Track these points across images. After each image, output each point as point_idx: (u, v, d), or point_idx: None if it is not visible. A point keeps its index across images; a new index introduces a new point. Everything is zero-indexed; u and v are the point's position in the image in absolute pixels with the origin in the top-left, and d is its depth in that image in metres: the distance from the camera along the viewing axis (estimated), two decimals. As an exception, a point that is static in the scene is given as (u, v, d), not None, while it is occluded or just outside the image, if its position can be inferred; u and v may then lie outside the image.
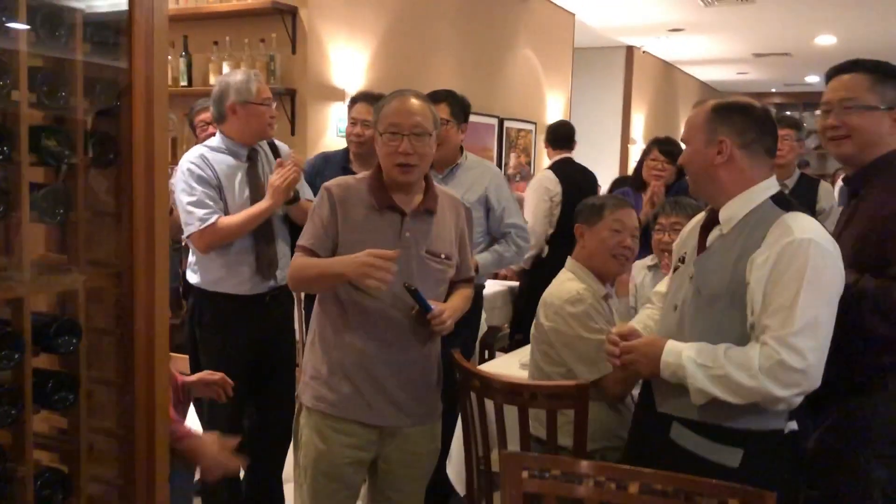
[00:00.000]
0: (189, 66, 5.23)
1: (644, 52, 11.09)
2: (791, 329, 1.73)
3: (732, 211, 1.92)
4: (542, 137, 8.49)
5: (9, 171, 1.56)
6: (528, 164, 8.34)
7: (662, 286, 2.35)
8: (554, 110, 8.71)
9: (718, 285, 1.87)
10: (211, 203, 2.88)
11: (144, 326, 1.77)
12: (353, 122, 3.59)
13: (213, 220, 2.86)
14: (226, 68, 4.98)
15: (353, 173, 3.19)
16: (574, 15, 8.85)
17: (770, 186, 1.92)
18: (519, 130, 8.06)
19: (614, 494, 1.68)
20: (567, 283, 2.55)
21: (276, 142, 3.24)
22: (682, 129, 2.14)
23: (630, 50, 10.80)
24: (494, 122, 7.52)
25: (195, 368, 2.82)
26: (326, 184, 2.35)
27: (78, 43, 1.64)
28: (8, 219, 1.57)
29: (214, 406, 2.74)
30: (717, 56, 11.65)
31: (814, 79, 13.38)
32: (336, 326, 2.31)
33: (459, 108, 3.54)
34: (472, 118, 6.84)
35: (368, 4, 5.64)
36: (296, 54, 5.11)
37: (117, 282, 1.76)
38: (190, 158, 2.95)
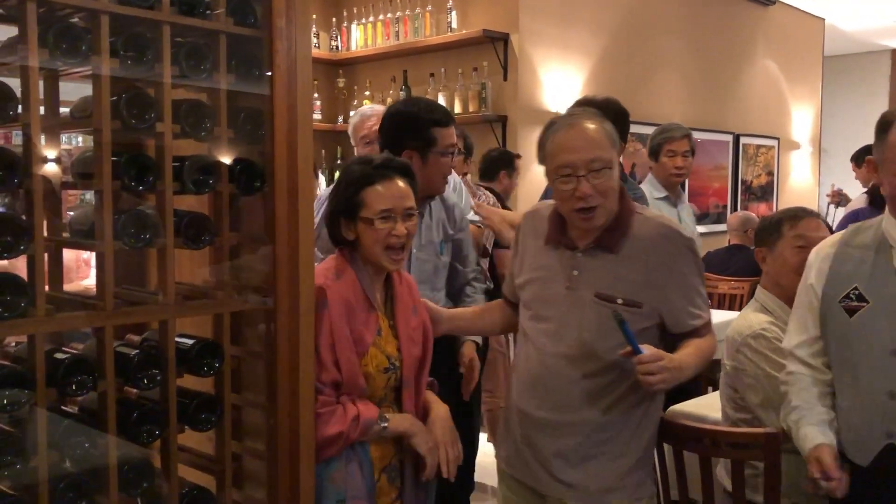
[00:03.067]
0: (408, 98, 5.43)
1: (913, 54, 9.84)
2: None
3: None
4: (788, 153, 7.83)
5: (154, 200, 1.65)
6: (771, 181, 7.67)
7: (792, 342, 1.98)
8: (801, 124, 7.97)
9: None
10: None
11: (287, 351, 1.78)
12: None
13: None
14: (441, 99, 5.10)
15: None
16: (823, 20, 8.06)
17: None
18: (759, 147, 7.45)
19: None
20: (749, 316, 2.25)
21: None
22: None
23: (896, 53, 9.64)
24: (729, 138, 7.02)
25: None
26: (526, 212, 2.15)
27: (222, 74, 1.70)
28: (154, 245, 1.65)
29: None
30: None
31: None
32: (513, 367, 2.08)
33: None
34: (703, 135, 6.48)
35: (584, 24, 5.51)
36: (507, 80, 5.11)
37: (265, 307, 1.79)
38: None
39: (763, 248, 2.34)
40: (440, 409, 2.02)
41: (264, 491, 1.84)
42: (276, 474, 1.80)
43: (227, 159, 1.73)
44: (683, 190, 4.35)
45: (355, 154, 3.20)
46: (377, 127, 2.70)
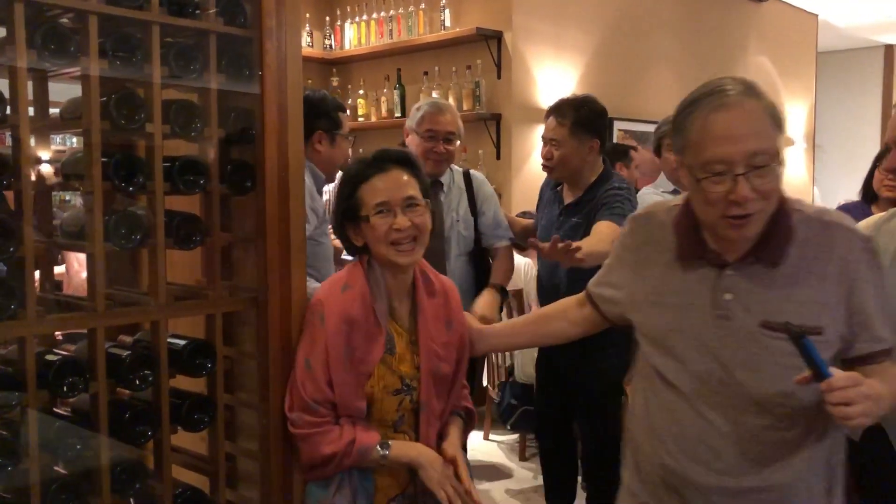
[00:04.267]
0: (402, 97, 5.43)
1: (906, 50, 9.85)
2: None
3: None
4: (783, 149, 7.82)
5: (145, 201, 1.65)
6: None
7: None
8: (795, 120, 7.97)
9: None
10: None
11: (279, 351, 1.78)
12: (543, 141, 3.10)
13: None
14: (435, 97, 5.10)
15: (560, 197, 2.98)
16: (817, 16, 8.07)
17: None
18: (752, 144, 7.46)
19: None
20: None
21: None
22: None
23: (889, 49, 9.64)
24: (722, 136, 7.03)
25: None
26: (632, 214, 1.76)
27: (212, 74, 1.69)
28: (145, 245, 1.65)
29: None
30: None
31: None
32: (642, 415, 1.66)
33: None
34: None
35: (576, 22, 5.51)
36: (501, 79, 5.11)
37: (256, 307, 1.79)
38: None
39: None
40: (447, 446, 1.82)
41: (258, 491, 1.84)
42: (269, 474, 1.80)
43: (217, 159, 1.73)
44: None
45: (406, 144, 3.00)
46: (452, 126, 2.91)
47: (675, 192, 3.53)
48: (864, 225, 1.82)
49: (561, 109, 2.96)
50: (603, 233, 2.57)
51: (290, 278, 1.79)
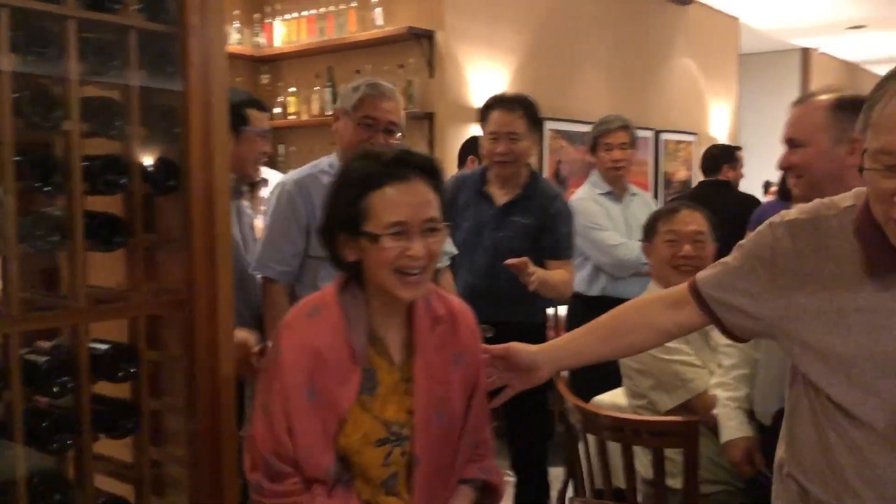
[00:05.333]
0: (334, 95, 5.37)
1: (821, 53, 10.24)
2: None
3: None
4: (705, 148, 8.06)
5: (64, 201, 1.59)
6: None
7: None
8: (719, 120, 8.20)
9: None
10: None
11: (206, 354, 1.74)
12: (493, 136, 2.84)
13: None
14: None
15: (489, 197, 2.86)
16: (738, 19, 8.31)
17: None
18: (678, 142, 7.64)
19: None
20: None
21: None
22: None
23: (806, 52, 10.01)
24: (650, 134, 7.18)
25: None
26: (787, 219, 1.40)
27: (134, 71, 1.65)
28: (64, 247, 1.59)
29: None
30: (909, 52, 10.55)
31: None
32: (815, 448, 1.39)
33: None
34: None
35: (508, 23, 5.56)
36: (433, 78, 5.11)
37: (181, 309, 1.75)
38: None
39: (647, 244, 2.50)
40: None
41: (186, 497, 1.80)
42: (197, 479, 1.76)
43: (140, 158, 1.68)
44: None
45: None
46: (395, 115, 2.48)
47: (609, 194, 3.55)
48: None
49: (509, 103, 2.84)
50: (557, 278, 2.69)
51: (217, 279, 1.75)
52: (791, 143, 1.85)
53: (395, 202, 1.43)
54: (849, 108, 1.74)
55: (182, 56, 1.68)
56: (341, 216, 1.48)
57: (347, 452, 1.46)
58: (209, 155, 1.72)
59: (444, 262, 2.68)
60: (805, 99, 1.83)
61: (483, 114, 2.93)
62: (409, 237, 1.43)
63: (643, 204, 3.69)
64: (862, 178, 1.26)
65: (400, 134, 2.51)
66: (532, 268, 2.46)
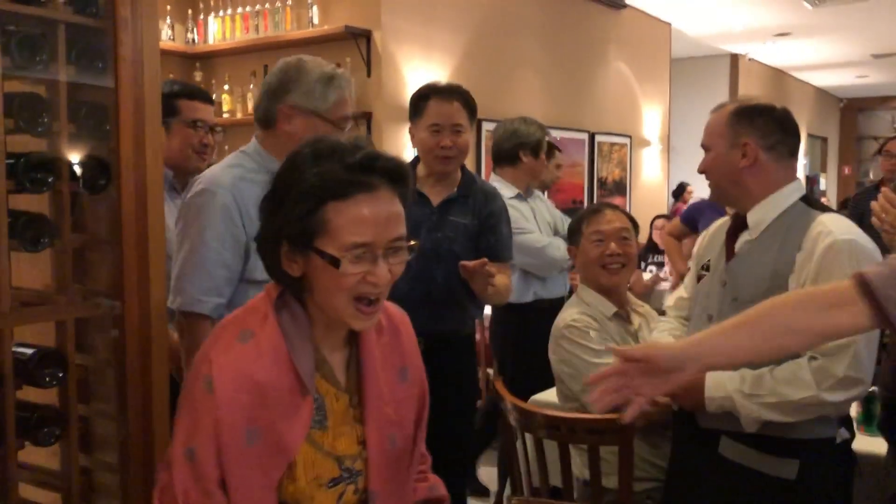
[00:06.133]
0: (269, 94, 5.30)
1: (750, 59, 10.56)
2: None
3: (761, 215, 1.86)
4: (640, 150, 8.23)
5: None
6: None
7: (672, 300, 2.24)
8: (651, 123, 8.38)
9: (756, 291, 1.76)
10: None
11: (138, 358, 1.70)
12: (435, 128, 2.54)
13: None
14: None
15: (423, 196, 2.57)
16: (670, 24, 8.51)
17: (798, 188, 1.88)
18: (612, 144, 7.77)
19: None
20: (565, 311, 2.44)
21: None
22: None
23: (735, 58, 10.31)
24: (584, 136, 7.29)
25: None
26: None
27: (61, 66, 1.59)
28: (-13, 248, 1.53)
29: None
30: (831, 60, 10.93)
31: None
32: None
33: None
34: (560, 133, 6.71)
35: (445, 24, 5.57)
36: (371, 77, 5.09)
37: (112, 312, 1.70)
38: None
39: (573, 247, 2.54)
40: None
41: (117, 505, 1.75)
42: (128, 486, 1.72)
43: (68, 156, 1.63)
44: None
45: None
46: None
47: (518, 196, 3.50)
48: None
49: (447, 93, 2.55)
50: (502, 283, 2.51)
51: (149, 281, 1.71)
52: (704, 148, 1.95)
53: (360, 220, 1.20)
54: (745, 116, 1.87)
55: (112, 51, 1.64)
56: (290, 227, 1.22)
57: (297, 499, 1.25)
58: (141, 152, 1.68)
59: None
60: (718, 108, 1.94)
61: (416, 105, 2.61)
62: (373, 260, 1.22)
63: (541, 201, 3.76)
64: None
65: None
66: (493, 268, 2.28)
